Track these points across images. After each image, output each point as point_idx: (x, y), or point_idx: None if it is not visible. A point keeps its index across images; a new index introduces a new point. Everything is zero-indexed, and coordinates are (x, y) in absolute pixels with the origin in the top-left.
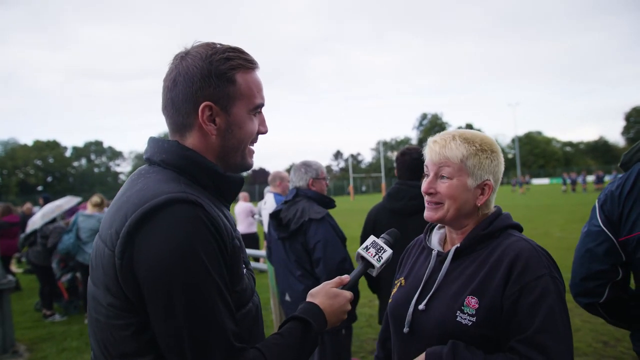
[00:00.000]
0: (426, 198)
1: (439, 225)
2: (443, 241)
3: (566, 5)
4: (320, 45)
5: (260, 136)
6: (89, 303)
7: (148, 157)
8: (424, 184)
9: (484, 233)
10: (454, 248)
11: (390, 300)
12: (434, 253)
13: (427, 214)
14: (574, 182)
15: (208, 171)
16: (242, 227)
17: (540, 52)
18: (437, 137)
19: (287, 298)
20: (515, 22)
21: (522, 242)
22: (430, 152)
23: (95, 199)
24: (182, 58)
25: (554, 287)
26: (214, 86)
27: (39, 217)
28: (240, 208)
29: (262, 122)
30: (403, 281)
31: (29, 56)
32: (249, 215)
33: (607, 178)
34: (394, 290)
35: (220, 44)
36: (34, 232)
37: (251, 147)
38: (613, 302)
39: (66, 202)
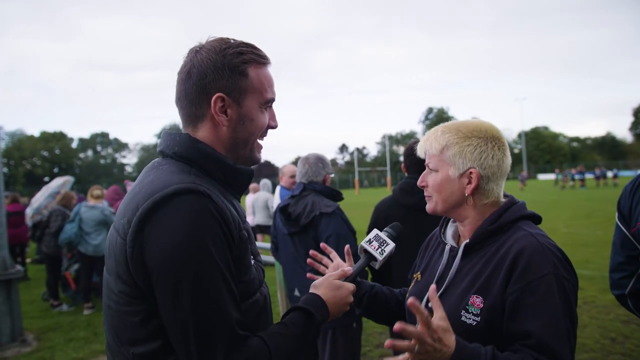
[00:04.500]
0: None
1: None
2: (457, 235)
3: None
4: (326, 39)
5: (269, 131)
6: (103, 290)
7: (161, 149)
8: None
9: (492, 228)
10: (463, 245)
11: (407, 295)
12: (447, 248)
13: (426, 207)
14: (572, 178)
15: (218, 163)
16: (250, 218)
17: (547, 46)
18: (427, 133)
19: (297, 293)
20: (522, 16)
21: (529, 238)
22: (419, 149)
23: (97, 191)
24: (196, 52)
25: (557, 286)
26: (226, 78)
27: (31, 211)
28: (250, 200)
29: (273, 116)
30: (419, 276)
31: (35, 48)
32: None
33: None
34: (411, 285)
35: (234, 39)
36: (38, 225)
37: (260, 141)
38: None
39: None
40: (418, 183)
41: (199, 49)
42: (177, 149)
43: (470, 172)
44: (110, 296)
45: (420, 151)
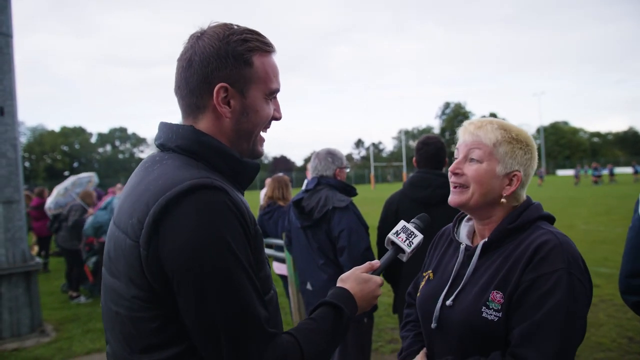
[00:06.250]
0: (452, 179)
1: (468, 216)
2: (472, 234)
3: None
4: (342, 34)
5: (276, 123)
6: (104, 295)
7: (161, 142)
8: (452, 164)
9: (512, 227)
10: (481, 243)
11: (418, 294)
12: (462, 247)
13: (451, 197)
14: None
15: (225, 156)
16: None
17: (567, 40)
18: (474, 119)
19: (309, 287)
20: (541, 9)
21: (548, 235)
22: (464, 133)
23: None
24: (198, 38)
25: (567, 283)
26: (230, 67)
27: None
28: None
29: (277, 107)
30: (431, 275)
31: (55, 44)
32: None
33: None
34: (422, 283)
35: (237, 25)
36: (57, 217)
37: (263, 134)
38: None
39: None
40: (451, 169)
41: (200, 34)
42: (180, 142)
43: (515, 174)
44: (120, 302)
45: (465, 135)
